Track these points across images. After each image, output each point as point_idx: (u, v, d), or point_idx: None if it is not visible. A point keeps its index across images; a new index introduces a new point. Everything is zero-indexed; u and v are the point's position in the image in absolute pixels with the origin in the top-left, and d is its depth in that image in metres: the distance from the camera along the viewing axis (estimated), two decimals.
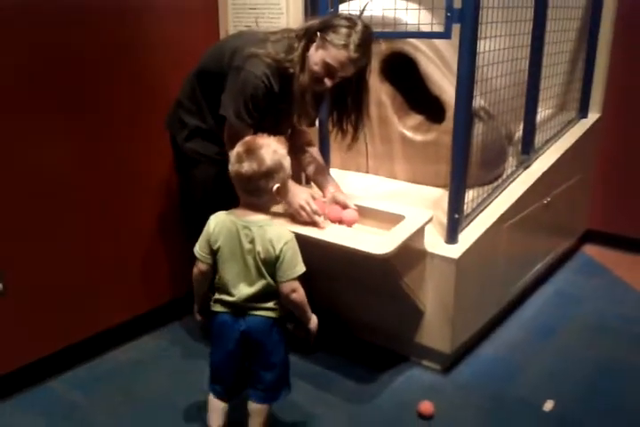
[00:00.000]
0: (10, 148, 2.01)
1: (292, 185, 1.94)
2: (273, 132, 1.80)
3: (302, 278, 1.69)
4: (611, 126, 3.25)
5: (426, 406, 2.05)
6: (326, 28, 1.89)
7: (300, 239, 1.78)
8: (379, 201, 2.29)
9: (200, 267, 1.75)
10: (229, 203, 1.79)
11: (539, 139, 2.79)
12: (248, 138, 1.70)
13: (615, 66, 3.16)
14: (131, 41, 2.28)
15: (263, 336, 1.72)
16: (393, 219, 2.10)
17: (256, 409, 1.82)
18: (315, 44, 1.92)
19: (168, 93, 2.28)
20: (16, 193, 2.06)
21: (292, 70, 1.95)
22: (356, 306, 2.41)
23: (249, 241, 1.65)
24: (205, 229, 1.72)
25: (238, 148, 1.65)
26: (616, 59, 3.15)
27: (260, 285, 1.68)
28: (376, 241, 1.94)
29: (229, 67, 1.99)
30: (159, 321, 2.64)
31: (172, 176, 2.48)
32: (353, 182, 2.68)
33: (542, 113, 2.86)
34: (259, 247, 1.64)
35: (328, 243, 1.95)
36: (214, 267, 1.74)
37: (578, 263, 3.27)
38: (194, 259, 1.78)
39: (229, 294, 1.71)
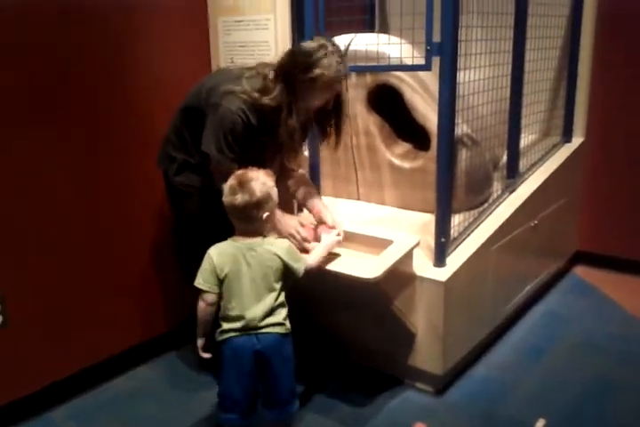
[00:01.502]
0: None
1: (280, 215, 2.06)
2: (258, 163, 1.92)
3: (295, 302, 1.87)
4: (595, 149, 3.34)
5: None
6: (305, 67, 1.95)
7: None
8: (368, 226, 2.37)
9: (207, 299, 1.83)
10: (220, 233, 1.88)
11: (524, 163, 2.88)
12: (240, 172, 1.85)
13: (596, 92, 3.26)
14: (126, 82, 2.38)
15: (276, 353, 1.83)
16: (382, 244, 2.16)
17: (280, 424, 1.96)
18: (301, 85, 1.98)
19: (158, 131, 2.36)
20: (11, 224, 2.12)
21: (268, 106, 2.01)
22: (349, 329, 2.46)
23: (256, 261, 1.80)
24: (206, 261, 1.82)
25: (231, 181, 1.81)
26: (597, 85, 3.25)
27: (270, 298, 1.82)
28: (366, 266, 2.01)
29: (207, 104, 2.07)
30: (155, 351, 2.67)
31: (164, 209, 2.55)
32: (344, 209, 2.76)
33: (527, 138, 2.95)
34: (267, 262, 1.81)
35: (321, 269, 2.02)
36: (220, 297, 1.83)
37: (568, 284, 3.33)
38: (190, 290, 1.86)
39: (241, 317, 1.80)
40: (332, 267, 2.03)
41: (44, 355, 2.27)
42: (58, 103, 2.19)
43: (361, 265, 2.03)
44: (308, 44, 2.01)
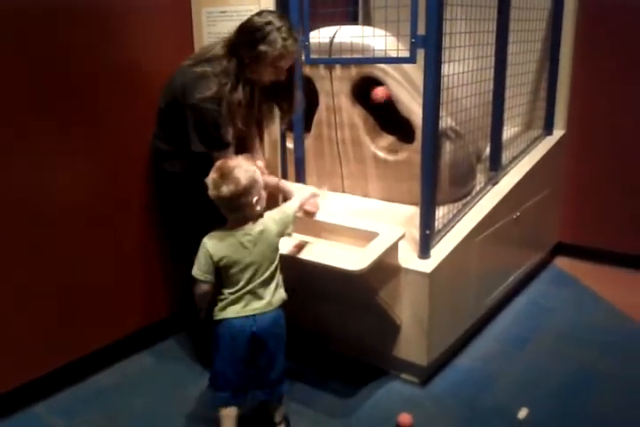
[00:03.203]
0: None
1: (291, 185, 2.27)
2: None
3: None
4: (576, 142, 3.38)
5: (404, 419, 2.10)
6: (251, 43, 2.00)
7: (282, 259, 1.88)
8: (353, 219, 2.37)
9: (203, 287, 1.87)
10: (209, 217, 1.91)
11: (506, 156, 2.90)
12: (219, 163, 1.85)
13: (577, 85, 3.30)
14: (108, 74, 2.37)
15: (272, 333, 1.89)
16: (367, 236, 2.17)
17: (273, 407, 2.02)
18: (248, 61, 2.03)
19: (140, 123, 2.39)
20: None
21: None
22: (335, 322, 2.47)
23: (252, 244, 1.83)
24: (201, 251, 1.84)
25: (212, 174, 1.81)
26: (577, 78, 3.29)
27: (271, 270, 1.88)
28: (351, 258, 2.02)
29: (184, 103, 2.09)
30: (140, 344, 2.66)
31: (154, 200, 2.56)
32: (329, 202, 2.76)
33: (509, 131, 2.97)
34: (265, 240, 1.85)
35: (306, 261, 2.03)
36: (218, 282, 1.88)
37: (549, 275, 3.37)
38: (185, 281, 1.93)
39: (241, 300, 1.85)
40: (317, 259, 2.03)
41: (29, 350, 2.25)
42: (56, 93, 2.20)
43: (346, 257, 2.04)
44: (256, 20, 2.03)
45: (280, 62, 2.07)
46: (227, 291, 1.87)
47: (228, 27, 2.22)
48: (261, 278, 1.86)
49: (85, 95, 2.29)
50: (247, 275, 1.84)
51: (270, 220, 1.89)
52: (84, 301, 2.42)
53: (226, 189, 1.76)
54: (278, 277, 1.93)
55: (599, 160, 3.36)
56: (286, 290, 1.96)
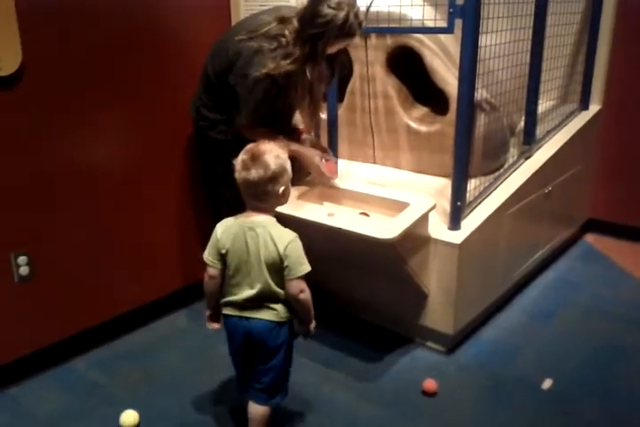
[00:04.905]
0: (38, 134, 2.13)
1: (298, 147, 2.30)
2: (279, 121, 2.13)
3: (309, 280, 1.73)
4: (612, 118, 3.32)
5: (429, 384, 2.16)
6: (330, 36, 2.03)
7: (309, 225, 1.89)
8: (385, 189, 2.39)
9: (210, 272, 1.80)
10: None
11: (540, 130, 2.88)
12: (251, 145, 1.73)
13: (616, 59, 3.23)
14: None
15: (264, 338, 1.75)
16: (398, 206, 2.20)
17: (254, 411, 1.84)
18: (320, 44, 2.05)
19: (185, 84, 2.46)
20: (40, 179, 2.17)
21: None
22: (363, 290, 2.52)
23: (254, 242, 1.70)
24: (213, 235, 1.77)
25: (243, 155, 1.70)
26: (617, 52, 3.22)
27: (259, 287, 1.71)
28: (382, 226, 2.05)
29: (236, 74, 2.15)
30: (174, 305, 2.75)
31: (193, 165, 2.64)
32: (360, 172, 2.78)
33: (544, 104, 2.93)
34: (262, 248, 1.69)
35: (336, 228, 2.06)
36: (223, 272, 1.80)
37: (579, 251, 3.37)
38: None
39: (234, 294, 1.76)
40: (348, 227, 2.06)
41: (69, 307, 2.35)
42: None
43: (377, 225, 2.07)
44: (329, 9, 2.01)
45: (349, 42, 2.14)
46: (228, 283, 1.79)
47: None
48: (251, 283, 1.73)
49: (128, 65, 2.35)
50: (242, 270, 1.74)
51: (283, 244, 1.68)
52: (122, 263, 2.50)
53: (254, 173, 1.65)
54: (274, 298, 1.74)
55: (635, 137, 3.31)
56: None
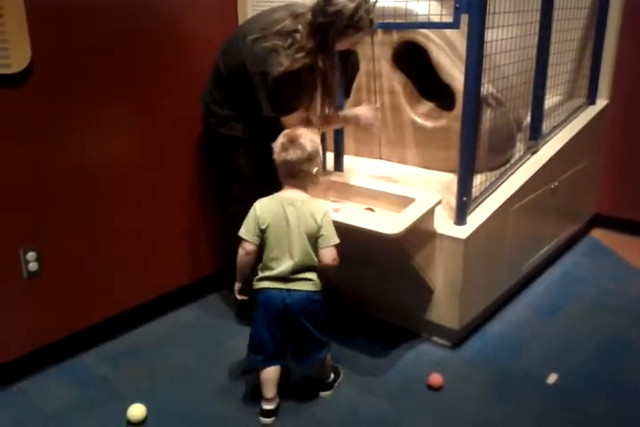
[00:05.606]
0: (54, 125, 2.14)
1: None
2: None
3: None
4: (619, 113, 3.31)
5: (435, 378, 2.16)
6: (339, 26, 2.03)
7: None
8: (390, 184, 2.40)
9: (247, 248, 1.94)
10: (265, 183, 2.05)
11: (547, 125, 2.87)
12: (288, 130, 1.98)
13: (623, 53, 3.22)
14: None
15: (305, 309, 1.92)
16: (404, 201, 2.21)
17: (317, 371, 2.11)
18: (334, 39, 2.07)
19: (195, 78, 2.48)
20: (50, 175, 2.18)
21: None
22: (369, 285, 2.53)
23: (294, 217, 1.90)
24: (251, 213, 1.94)
25: (281, 139, 1.93)
26: (624, 46, 3.21)
27: (300, 257, 1.90)
28: (388, 222, 2.05)
29: (251, 72, 2.15)
30: (183, 300, 2.77)
31: (203, 163, 2.66)
32: (366, 168, 2.79)
33: (551, 99, 2.93)
34: (302, 220, 1.89)
35: (342, 224, 2.07)
36: (260, 247, 1.95)
37: (585, 246, 3.37)
38: (234, 240, 1.97)
39: (272, 269, 1.92)
40: (354, 222, 2.07)
41: (78, 301, 2.36)
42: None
43: (383, 221, 2.08)
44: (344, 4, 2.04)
45: (358, 40, 2.17)
46: (265, 258, 1.95)
47: None
48: (292, 256, 1.91)
49: (134, 63, 2.36)
50: (282, 244, 1.91)
51: (320, 213, 1.90)
52: (130, 258, 2.52)
53: (292, 154, 1.88)
54: (312, 268, 1.94)
55: None
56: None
